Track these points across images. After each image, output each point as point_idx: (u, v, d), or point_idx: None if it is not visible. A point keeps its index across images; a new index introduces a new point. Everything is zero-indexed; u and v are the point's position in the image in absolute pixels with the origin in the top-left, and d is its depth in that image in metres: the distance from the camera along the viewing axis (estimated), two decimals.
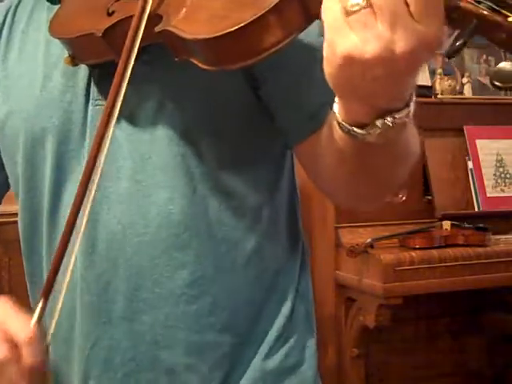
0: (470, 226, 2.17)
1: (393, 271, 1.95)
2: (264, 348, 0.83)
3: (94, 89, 0.80)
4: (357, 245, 2.05)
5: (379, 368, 2.26)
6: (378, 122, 0.55)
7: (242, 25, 0.57)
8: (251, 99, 0.78)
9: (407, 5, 0.49)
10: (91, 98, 0.79)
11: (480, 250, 2.09)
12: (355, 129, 0.57)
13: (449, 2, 0.50)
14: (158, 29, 0.65)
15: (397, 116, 0.55)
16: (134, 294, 0.78)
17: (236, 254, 0.81)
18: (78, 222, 0.69)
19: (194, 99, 0.77)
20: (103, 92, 0.78)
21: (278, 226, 0.85)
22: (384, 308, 1.98)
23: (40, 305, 0.68)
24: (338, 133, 0.60)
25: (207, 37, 0.59)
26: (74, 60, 0.77)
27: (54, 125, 0.81)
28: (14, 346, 0.65)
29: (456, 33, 0.53)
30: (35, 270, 0.86)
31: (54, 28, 0.77)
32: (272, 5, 0.57)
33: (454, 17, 0.51)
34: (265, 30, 0.57)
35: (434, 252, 2.05)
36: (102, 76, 0.78)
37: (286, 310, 0.84)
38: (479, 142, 2.37)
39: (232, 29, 0.58)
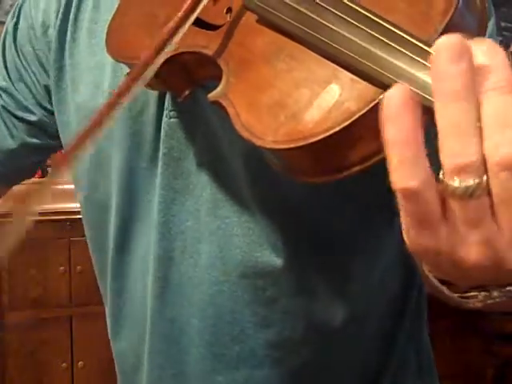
0: None
1: None
2: None
3: (169, 96, 0.65)
4: None
5: None
6: (480, 295, 0.43)
7: (315, 139, 0.41)
8: None
9: None
10: (165, 107, 0.65)
11: None
12: (445, 290, 0.44)
13: None
14: (212, 97, 0.49)
15: (509, 288, 0.41)
16: (209, 350, 0.66)
17: (330, 316, 0.66)
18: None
19: None
20: (178, 102, 0.64)
21: (387, 283, 0.70)
22: None
23: None
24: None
25: (267, 146, 0.44)
26: None
27: (122, 137, 0.67)
28: None
29: None
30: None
31: (110, 42, 0.61)
32: (360, 113, 0.40)
33: None
34: (351, 143, 0.42)
35: None
36: None
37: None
38: None
39: (303, 143, 0.41)
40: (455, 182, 0.34)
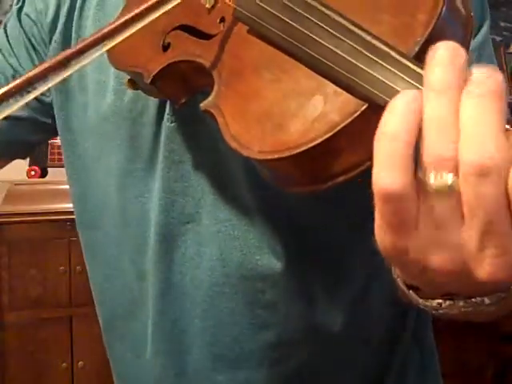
0: None
1: None
2: None
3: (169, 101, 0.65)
4: None
5: None
6: (445, 303, 0.42)
7: (299, 150, 0.42)
8: None
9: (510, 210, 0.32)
10: (166, 112, 0.65)
11: None
12: (411, 292, 0.43)
13: None
14: (203, 106, 0.49)
15: (474, 300, 0.39)
16: (210, 350, 0.67)
17: (330, 318, 0.66)
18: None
19: None
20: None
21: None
22: None
23: None
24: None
25: (253, 157, 0.44)
26: (135, 85, 0.61)
27: (122, 138, 0.67)
28: None
29: None
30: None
31: (111, 50, 0.60)
32: (341, 125, 0.40)
33: None
34: (335, 153, 0.42)
35: None
36: None
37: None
38: None
39: (287, 154, 0.42)
40: (431, 178, 0.33)
